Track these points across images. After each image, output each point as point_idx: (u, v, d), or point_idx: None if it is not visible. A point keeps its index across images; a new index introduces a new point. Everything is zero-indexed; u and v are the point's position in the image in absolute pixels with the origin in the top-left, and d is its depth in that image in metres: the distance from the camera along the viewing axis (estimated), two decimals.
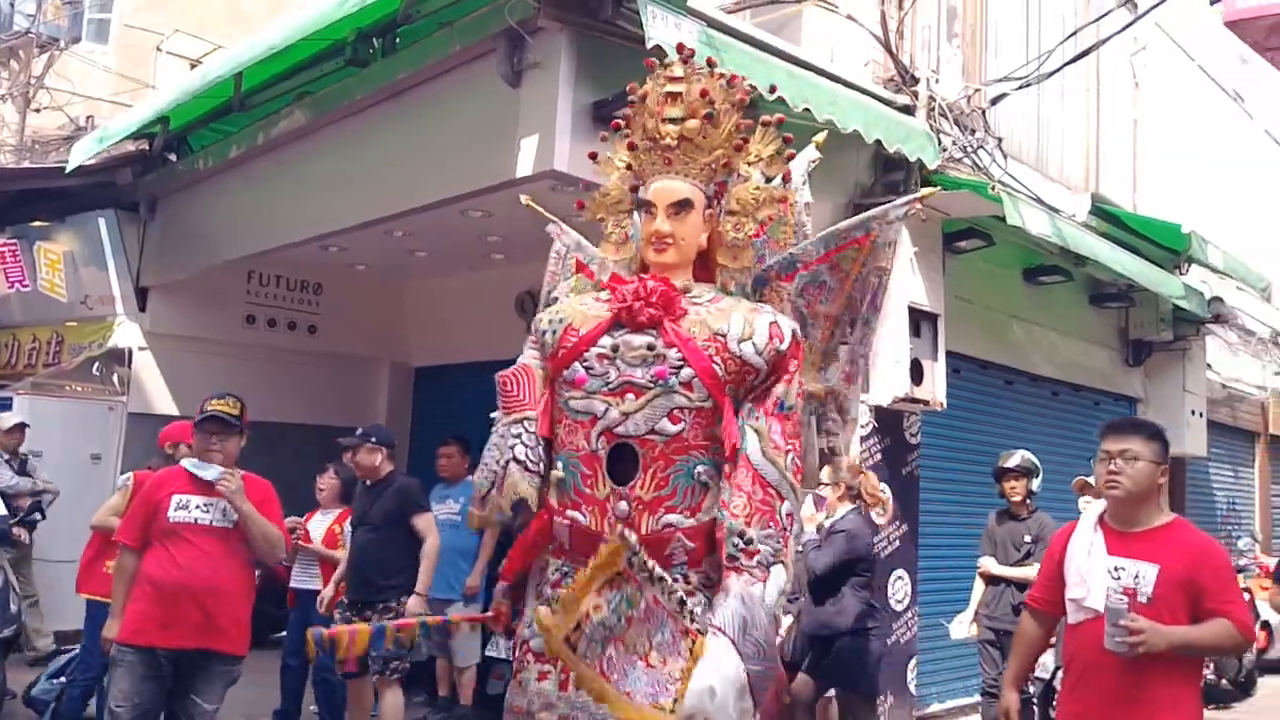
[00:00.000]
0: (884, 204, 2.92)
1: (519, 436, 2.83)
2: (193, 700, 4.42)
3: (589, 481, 2.72)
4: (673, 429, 2.66)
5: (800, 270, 2.86)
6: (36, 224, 9.94)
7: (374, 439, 5.95)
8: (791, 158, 2.94)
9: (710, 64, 2.90)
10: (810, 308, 2.90)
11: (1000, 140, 7.83)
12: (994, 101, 7.74)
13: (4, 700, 6.37)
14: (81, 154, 8.56)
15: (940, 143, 7.13)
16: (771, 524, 2.59)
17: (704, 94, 2.79)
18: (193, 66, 10.31)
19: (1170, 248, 9.05)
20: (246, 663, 6.93)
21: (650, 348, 2.71)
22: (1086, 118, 9.51)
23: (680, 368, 2.68)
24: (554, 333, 2.86)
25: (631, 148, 2.92)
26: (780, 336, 2.71)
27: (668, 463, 2.66)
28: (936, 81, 7.35)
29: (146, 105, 8.67)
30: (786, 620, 5.68)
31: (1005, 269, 8.47)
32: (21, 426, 7.99)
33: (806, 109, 5.77)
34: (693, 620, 2.58)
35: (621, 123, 2.97)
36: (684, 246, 2.81)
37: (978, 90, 7.76)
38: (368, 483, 5.98)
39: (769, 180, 2.91)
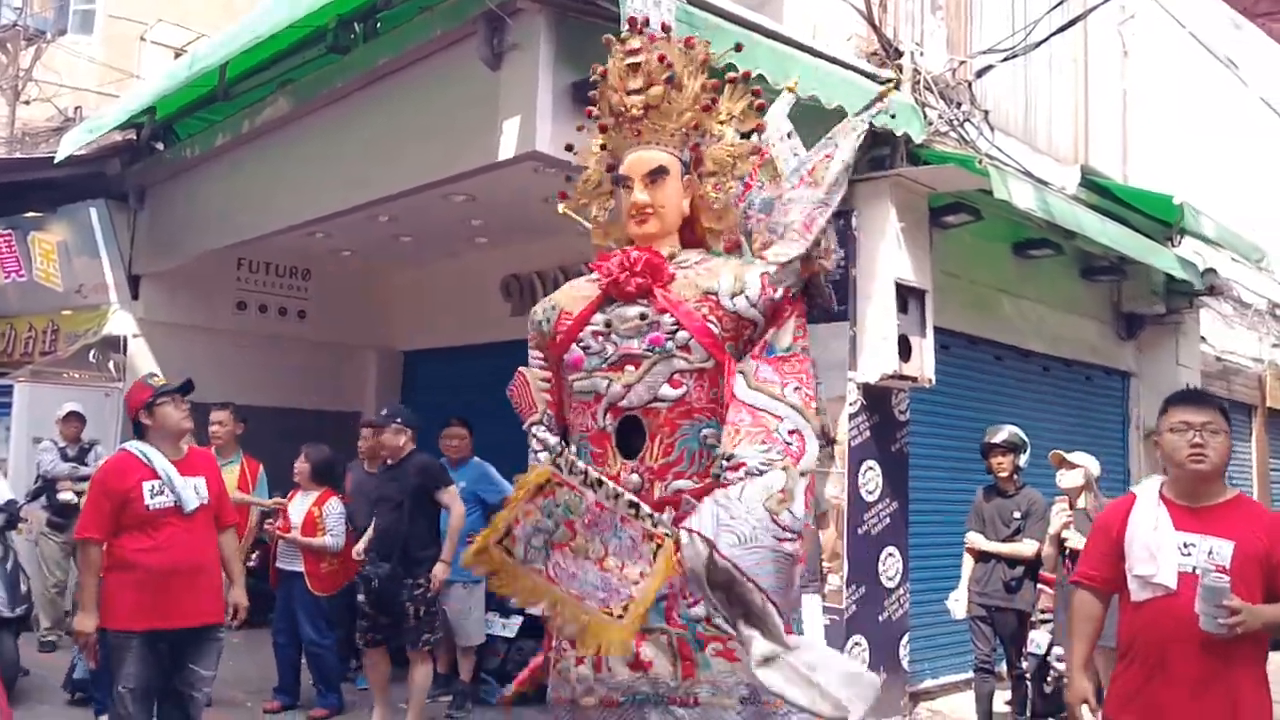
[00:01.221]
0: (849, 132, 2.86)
1: (535, 439, 2.89)
2: (192, 670, 4.52)
3: (600, 459, 2.73)
4: (674, 394, 2.66)
5: (776, 204, 2.84)
6: (30, 215, 10.00)
7: (399, 420, 6.09)
8: (763, 108, 2.90)
9: (665, 29, 2.88)
10: (785, 213, 2.80)
11: (987, 113, 7.78)
12: (980, 74, 7.68)
13: (17, 677, 6.48)
14: (71, 144, 8.59)
15: (926, 116, 7.09)
16: (765, 440, 2.51)
17: (662, 59, 2.78)
18: (177, 55, 10.32)
19: (1162, 219, 8.96)
20: (246, 641, 7.07)
21: (643, 317, 2.71)
22: (1075, 89, 9.42)
23: (675, 331, 2.67)
24: (548, 320, 2.89)
25: (604, 129, 2.92)
26: (773, 286, 2.69)
27: (673, 429, 2.66)
28: (921, 55, 7.29)
29: (133, 95, 8.70)
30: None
31: (994, 243, 8.42)
32: (76, 415, 8.04)
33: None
34: (655, 524, 2.51)
35: (593, 108, 2.96)
36: (664, 214, 2.81)
37: (963, 62, 7.70)
38: (388, 462, 6.13)
39: (745, 137, 2.89)
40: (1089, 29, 9.14)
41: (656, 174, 2.78)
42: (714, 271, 2.73)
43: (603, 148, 2.97)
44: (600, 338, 2.75)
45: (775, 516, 2.37)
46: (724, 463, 2.51)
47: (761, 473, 2.43)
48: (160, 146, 9.26)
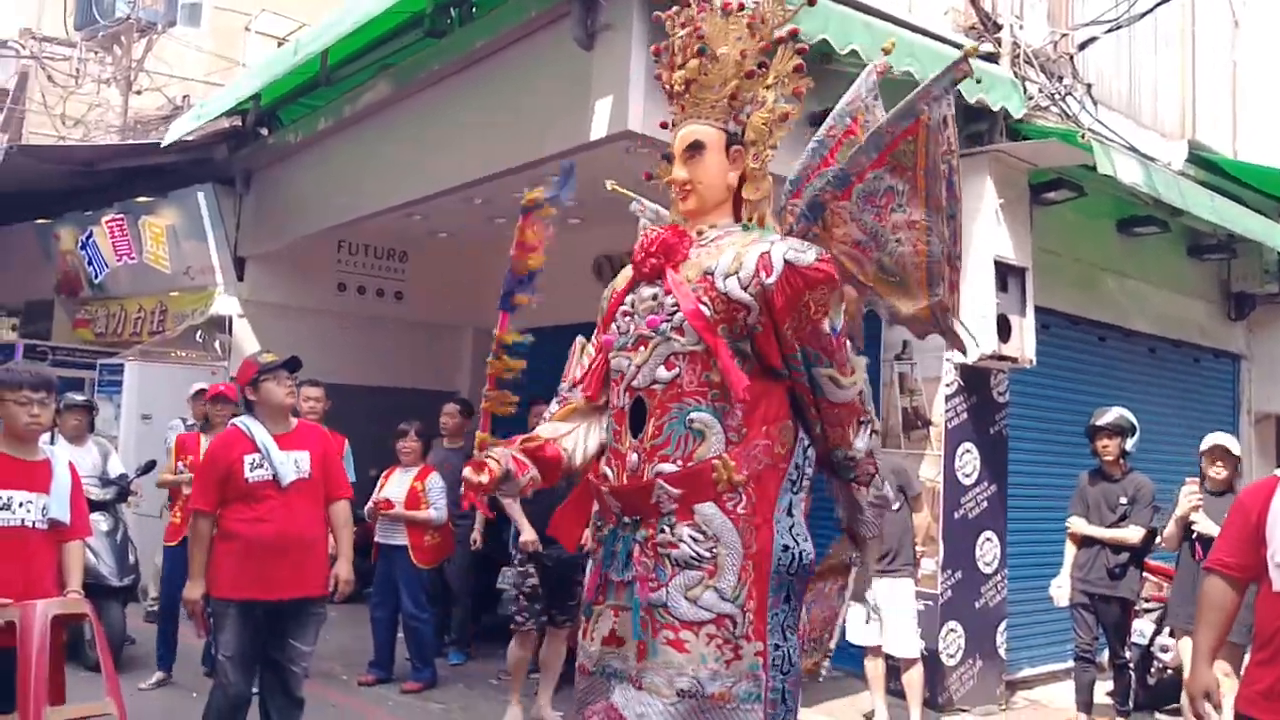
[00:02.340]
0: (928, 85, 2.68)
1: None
2: (291, 644, 4.61)
3: (618, 436, 2.73)
4: (667, 375, 2.62)
5: (855, 184, 2.70)
6: (141, 199, 10.36)
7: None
8: (800, 69, 2.76)
9: None
10: (882, 219, 2.71)
11: (1090, 86, 7.58)
12: (1082, 46, 7.49)
13: (124, 645, 6.72)
14: (178, 130, 8.86)
15: (1026, 91, 6.93)
16: (860, 419, 2.76)
17: (694, 31, 2.71)
18: (279, 44, 10.56)
19: (1274, 195, 8.67)
20: (343, 616, 7.22)
21: (655, 298, 2.70)
22: (1182, 61, 9.12)
23: (674, 313, 2.63)
24: (605, 300, 2.92)
25: None
26: (768, 268, 2.52)
27: (664, 411, 2.62)
28: (1020, 27, 7.13)
29: (239, 83, 8.91)
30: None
31: (1097, 220, 8.20)
32: (202, 392, 8.32)
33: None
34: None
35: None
36: (703, 189, 2.74)
37: (1064, 35, 7.50)
38: None
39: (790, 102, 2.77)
40: None
41: (693, 149, 2.72)
42: (721, 248, 2.66)
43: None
44: (626, 318, 2.76)
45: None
46: (849, 463, 2.79)
47: (869, 450, 2.81)
48: (265, 132, 9.50)
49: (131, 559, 6.85)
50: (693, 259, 2.69)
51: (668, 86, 2.81)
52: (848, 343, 2.72)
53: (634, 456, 2.65)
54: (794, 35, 2.75)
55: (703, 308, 2.59)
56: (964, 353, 2.94)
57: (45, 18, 15.11)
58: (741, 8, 2.73)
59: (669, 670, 2.52)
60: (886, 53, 2.99)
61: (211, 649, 5.95)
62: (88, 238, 11.14)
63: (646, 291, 2.73)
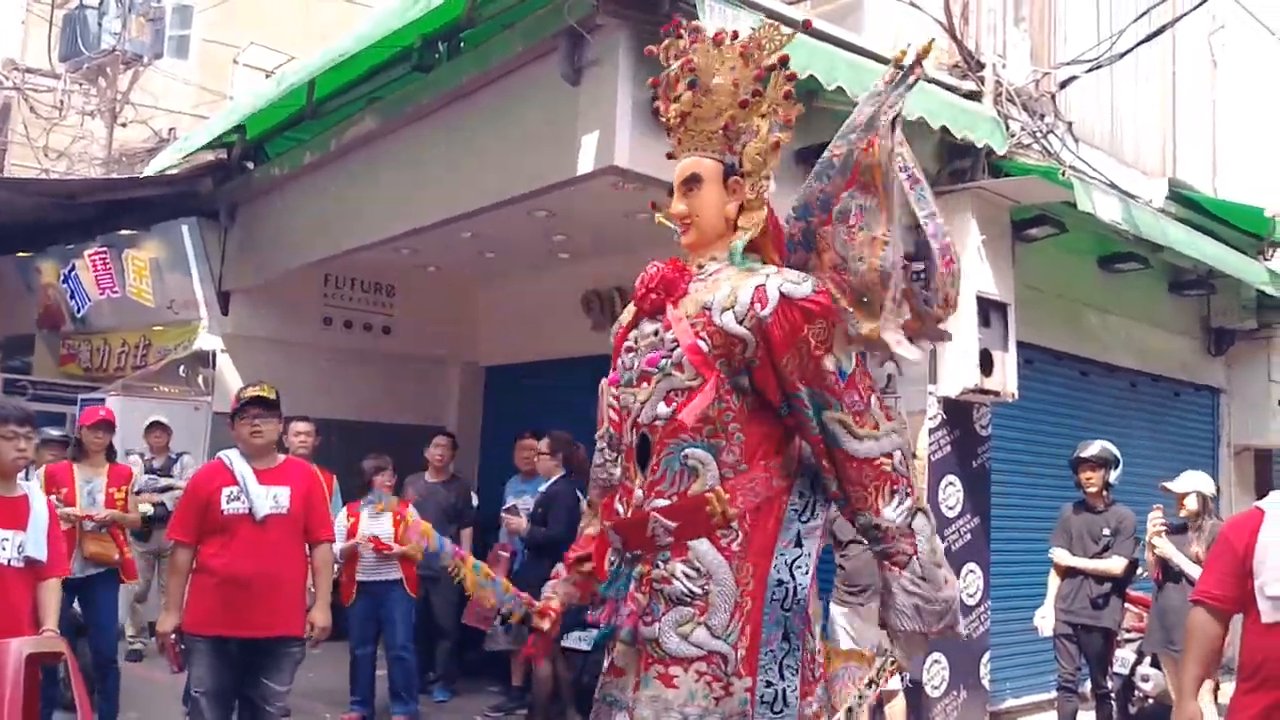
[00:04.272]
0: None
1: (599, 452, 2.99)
2: (265, 684, 4.55)
3: (628, 473, 2.74)
4: (666, 412, 2.61)
5: (834, 206, 2.64)
6: (124, 233, 10.27)
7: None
8: (789, 95, 2.72)
9: (694, 30, 2.75)
10: (850, 239, 2.60)
11: (1071, 125, 7.68)
12: (1064, 85, 7.59)
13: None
14: (160, 162, 8.84)
15: (1008, 128, 7.02)
16: (893, 487, 2.56)
17: (685, 64, 2.70)
18: (267, 77, 10.58)
19: (1253, 232, 8.78)
20: (327, 654, 7.13)
21: (656, 334, 2.70)
22: (1162, 100, 9.26)
23: (674, 349, 2.63)
24: (613, 334, 2.91)
25: None
26: (763, 300, 2.53)
27: (663, 446, 2.62)
28: (1003, 66, 7.23)
29: (223, 115, 8.92)
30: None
31: (1079, 256, 8.29)
32: (160, 425, 8.27)
33: None
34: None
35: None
36: (701, 223, 2.74)
37: (1046, 74, 7.61)
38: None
39: (784, 130, 2.75)
40: (1176, 39, 8.97)
41: (690, 182, 2.72)
42: (718, 283, 2.65)
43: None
44: (630, 354, 2.75)
45: (940, 568, 2.63)
46: (874, 533, 2.59)
47: (908, 527, 2.57)
48: (250, 165, 9.48)
49: None
50: (692, 294, 2.68)
51: (665, 119, 2.81)
52: (873, 395, 2.60)
53: (639, 493, 2.67)
54: (784, 62, 2.71)
55: (701, 343, 2.58)
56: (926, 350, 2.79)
57: (29, 49, 15.13)
58: (735, 36, 2.70)
59: (656, 705, 2.52)
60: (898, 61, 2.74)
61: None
62: (70, 271, 11.05)
63: (648, 328, 2.72)
